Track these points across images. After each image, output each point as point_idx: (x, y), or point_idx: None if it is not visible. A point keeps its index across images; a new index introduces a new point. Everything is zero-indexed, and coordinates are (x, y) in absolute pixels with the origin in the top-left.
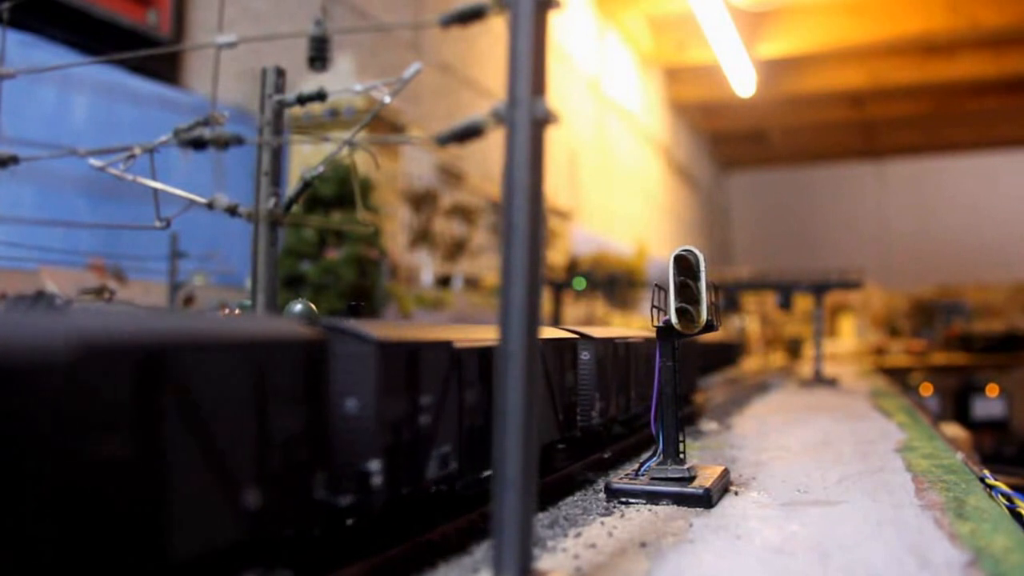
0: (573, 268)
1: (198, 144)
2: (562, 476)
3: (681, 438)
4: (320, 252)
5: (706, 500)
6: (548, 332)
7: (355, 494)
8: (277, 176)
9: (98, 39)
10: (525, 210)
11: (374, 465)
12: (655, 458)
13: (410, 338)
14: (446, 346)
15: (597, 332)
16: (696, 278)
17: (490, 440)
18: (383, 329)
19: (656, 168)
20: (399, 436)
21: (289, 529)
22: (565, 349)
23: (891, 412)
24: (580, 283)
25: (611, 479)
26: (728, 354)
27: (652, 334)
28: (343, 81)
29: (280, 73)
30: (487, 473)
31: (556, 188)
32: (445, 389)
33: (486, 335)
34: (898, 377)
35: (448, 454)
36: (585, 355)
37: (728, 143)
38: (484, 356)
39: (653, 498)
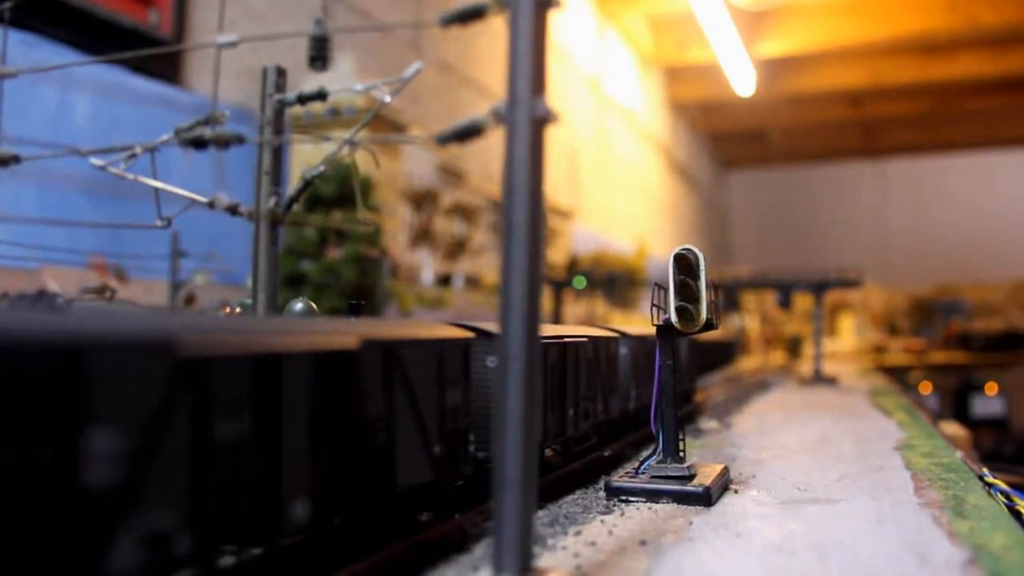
0: (573, 267)
1: (199, 143)
2: (559, 476)
3: (681, 436)
4: (321, 251)
5: (706, 498)
6: (430, 329)
7: None
8: (278, 175)
9: (99, 39)
10: (525, 209)
11: None
12: (655, 456)
13: (63, 330)
14: (160, 349)
15: None
16: (696, 277)
17: (278, 495)
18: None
19: (656, 167)
20: (26, 509)
21: None
22: (450, 354)
23: (890, 411)
24: (580, 282)
25: (611, 477)
26: (723, 353)
27: (611, 333)
28: (344, 80)
29: (281, 72)
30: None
31: (556, 187)
32: (160, 421)
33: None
34: (897, 376)
35: (168, 531)
36: (491, 361)
37: (728, 143)
38: (265, 366)
39: (653, 496)
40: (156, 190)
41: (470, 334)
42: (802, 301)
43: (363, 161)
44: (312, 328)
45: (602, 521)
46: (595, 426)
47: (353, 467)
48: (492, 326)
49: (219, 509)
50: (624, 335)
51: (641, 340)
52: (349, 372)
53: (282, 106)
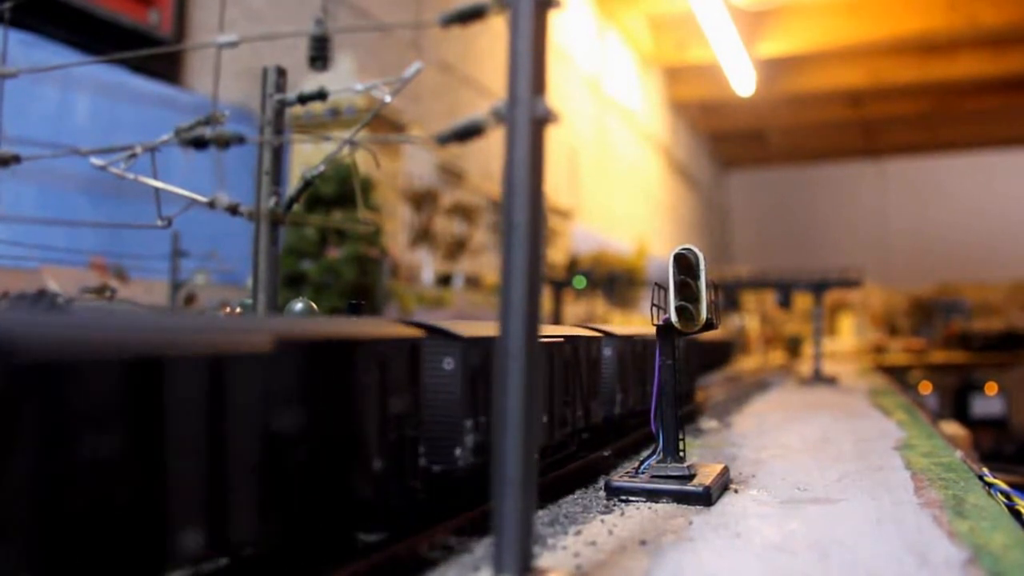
0: (573, 267)
1: (199, 143)
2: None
3: (681, 436)
4: (321, 251)
5: (706, 498)
6: (369, 327)
7: None
8: (278, 175)
9: (100, 39)
10: (525, 209)
11: None
12: (655, 456)
13: None
14: None
15: (470, 329)
16: (696, 277)
17: (160, 524)
18: None
19: (656, 167)
20: None
21: None
22: (394, 356)
23: (890, 410)
24: (580, 282)
25: (611, 477)
26: (723, 353)
27: (593, 333)
28: (344, 80)
29: (281, 72)
30: None
31: (556, 187)
32: None
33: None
34: (897, 375)
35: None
36: (448, 363)
37: (728, 143)
38: (141, 372)
39: (653, 496)
40: (156, 190)
41: (419, 333)
42: (802, 301)
43: (363, 161)
44: (209, 327)
45: (602, 521)
46: (574, 433)
47: (264, 487)
48: (450, 324)
49: (77, 543)
50: (608, 335)
51: (628, 340)
52: (259, 378)
53: (282, 106)
